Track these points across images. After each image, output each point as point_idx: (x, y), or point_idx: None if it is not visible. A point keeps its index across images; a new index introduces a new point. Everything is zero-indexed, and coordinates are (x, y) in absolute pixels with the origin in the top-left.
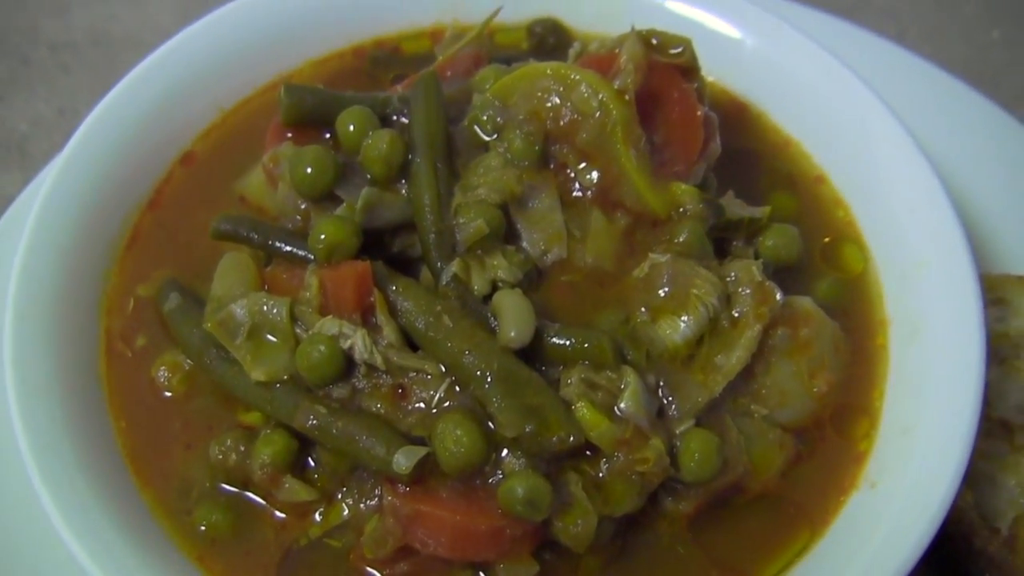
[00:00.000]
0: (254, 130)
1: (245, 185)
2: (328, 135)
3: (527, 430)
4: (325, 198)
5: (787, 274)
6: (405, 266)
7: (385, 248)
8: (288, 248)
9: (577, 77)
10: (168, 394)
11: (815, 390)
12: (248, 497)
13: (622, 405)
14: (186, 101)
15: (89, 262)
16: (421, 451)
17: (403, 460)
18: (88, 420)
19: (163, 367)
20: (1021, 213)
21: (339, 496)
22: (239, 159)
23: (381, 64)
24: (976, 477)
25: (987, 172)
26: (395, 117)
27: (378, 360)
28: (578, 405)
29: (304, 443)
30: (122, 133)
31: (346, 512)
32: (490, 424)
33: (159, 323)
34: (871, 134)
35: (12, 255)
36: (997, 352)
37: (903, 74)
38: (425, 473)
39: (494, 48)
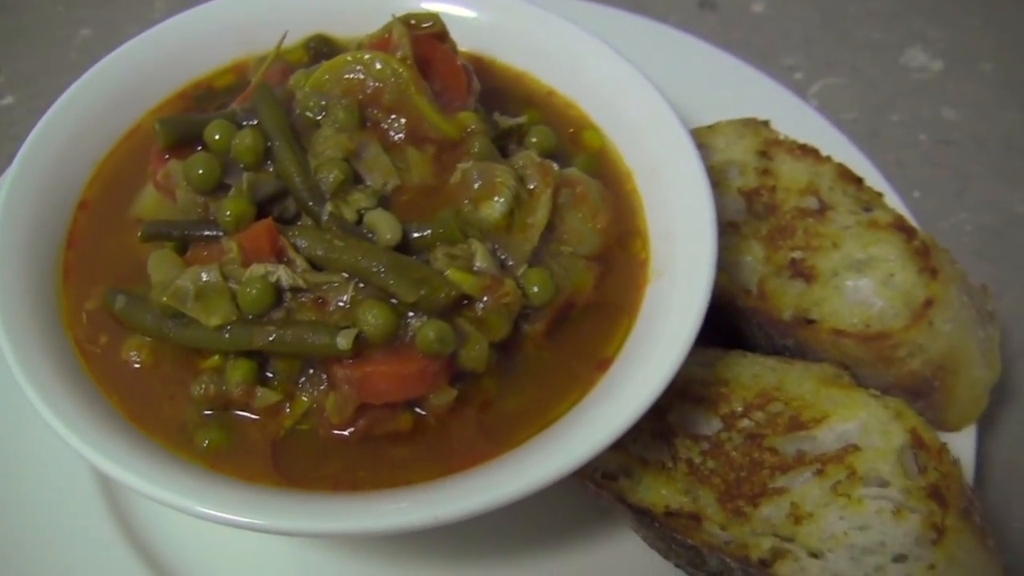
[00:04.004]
0: (125, 170)
1: (139, 208)
2: (200, 147)
3: (422, 293)
4: (217, 189)
5: (552, 158)
6: (286, 224)
7: (267, 215)
8: (200, 232)
9: (370, 57)
10: (138, 366)
11: (598, 227)
12: (231, 414)
13: (477, 264)
14: (68, 162)
15: (40, 294)
16: (353, 331)
17: (342, 340)
18: (89, 400)
19: (131, 350)
20: (684, 84)
21: (298, 392)
22: (122, 193)
23: (204, 100)
24: (727, 263)
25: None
26: (244, 123)
27: (300, 282)
28: (448, 272)
29: (260, 363)
30: (28, 198)
31: (306, 401)
32: (393, 300)
33: (112, 322)
34: (577, 51)
35: None
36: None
37: (633, 33)
38: (360, 348)
39: (287, 65)
